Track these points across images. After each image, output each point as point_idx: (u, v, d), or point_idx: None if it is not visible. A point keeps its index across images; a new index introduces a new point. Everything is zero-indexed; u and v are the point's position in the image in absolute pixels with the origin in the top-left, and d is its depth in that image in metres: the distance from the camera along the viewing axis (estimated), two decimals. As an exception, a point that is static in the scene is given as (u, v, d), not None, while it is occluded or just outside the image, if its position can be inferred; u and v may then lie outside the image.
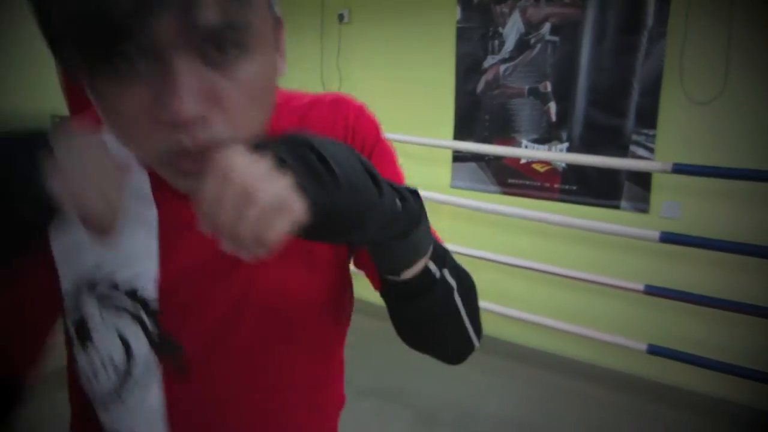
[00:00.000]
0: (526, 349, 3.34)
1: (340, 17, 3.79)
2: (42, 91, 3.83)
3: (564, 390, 2.97)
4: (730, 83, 2.61)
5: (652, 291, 2.68)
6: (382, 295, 0.65)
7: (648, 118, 2.84)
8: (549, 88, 3.11)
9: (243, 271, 0.61)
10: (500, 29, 3.22)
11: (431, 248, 0.58)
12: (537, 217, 2.98)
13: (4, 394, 0.60)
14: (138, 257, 0.58)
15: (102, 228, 0.44)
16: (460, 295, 0.62)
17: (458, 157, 3.48)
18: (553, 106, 3.12)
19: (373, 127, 0.68)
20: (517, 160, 3.27)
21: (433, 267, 0.58)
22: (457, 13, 3.35)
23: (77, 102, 2.66)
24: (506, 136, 3.29)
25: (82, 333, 0.60)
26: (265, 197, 0.39)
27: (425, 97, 3.57)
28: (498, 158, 3.32)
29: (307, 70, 4.02)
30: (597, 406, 2.84)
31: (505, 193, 3.34)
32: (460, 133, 3.46)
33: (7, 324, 0.57)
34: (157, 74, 0.43)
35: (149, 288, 0.58)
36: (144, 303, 0.59)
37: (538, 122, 3.18)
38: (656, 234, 2.61)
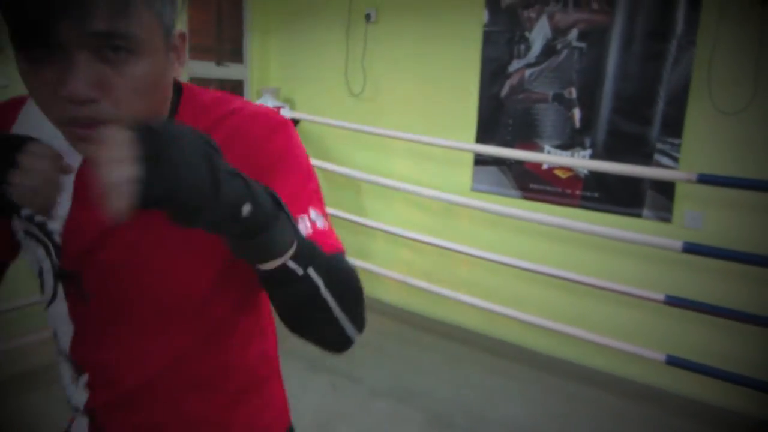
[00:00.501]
0: (543, 356, 3.33)
1: (367, 17, 3.80)
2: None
3: (580, 398, 2.95)
4: (759, 94, 2.58)
5: (672, 301, 2.65)
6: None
7: (673, 126, 2.81)
8: (574, 94, 3.09)
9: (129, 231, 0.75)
10: (527, 34, 3.21)
11: (292, 249, 0.65)
12: (558, 224, 2.96)
13: None
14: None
15: (42, 211, 0.67)
16: (330, 290, 0.69)
17: (480, 160, 3.47)
18: (577, 113, 3.10)
19: (283, 145, 0.77)
20: (538, 165, 3.25)
21: (293, 265, 0.65)
22: (485, 16, 3.35)
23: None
24: (529, 141, 3.27)
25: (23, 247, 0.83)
26: (107, 178, 0.50)
27: (449, 99, 3.57)
28: (520, 163, 3.31)
29: (332, 69, 4.04)
30: (613, 416, 2.81)
31: (526, 198, 3.32)
32: (482, 137, 3.45)
33: None
34: (62, 63, 0.59)
35: (56, 226, 0.76)
36: (49, 235, 0.76)
37: (561, 128, 3.16)
38: (679, 244, 2.58)
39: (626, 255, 2.99)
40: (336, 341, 0.75)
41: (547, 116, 3.20)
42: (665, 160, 2.85)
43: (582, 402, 2.92)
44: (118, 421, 0.85)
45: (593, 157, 3.07)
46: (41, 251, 0.78)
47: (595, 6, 2.97)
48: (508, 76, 3.30)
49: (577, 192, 3.14)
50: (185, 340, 0.81)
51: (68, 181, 0.75)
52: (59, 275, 0.78)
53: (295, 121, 3.99)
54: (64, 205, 0.76)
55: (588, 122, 3.07)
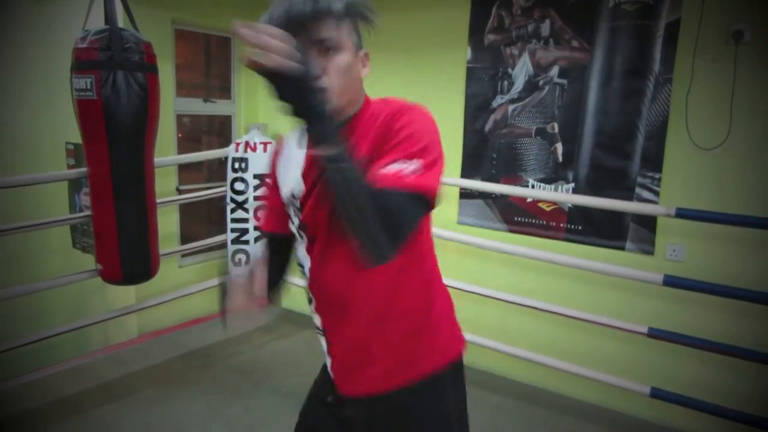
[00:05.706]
0: (529, 388, 3.33)
1: (353, 54, 3.86)
2: (57, 120, 3.92)
3: (566, 430, 2.94)
4: (734, 130, 2.65)
5: (655, 334, 2.68)
6: None
7: (654, 161, 2.88)
8: (556, 129, 3.16)
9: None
10: (510, 70, 3.29)
11: (331, 151, 0.92)
12: (542, 257, 2.99)
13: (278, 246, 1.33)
14: (295, 180, 1.21)
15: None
16: (345, 203, 0.94)
17: (465, 193, 3.52)
18: (559, 147, 3.16)
19: (401, 108, 1.20)
20: (523, 198, 3.30)
21: (329, 163, 0.93)
22: (468, 53, 3.43)
23: (90, 130, 2.72)
24: (513, 175, 3.33)
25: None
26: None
27: (434, 134, 3.61)
28: (505, 196, 3.36)
29: (319, 105, 4.08)
30: (599, 449, 2.81)
31: (511, 231, 3.36)
32: (467, 171, 3.50)
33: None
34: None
35: (298, 193, 1.20)
36: (294, 198, 1.21)
37: (544, 162, 3.22)
38: (660, 277, 2.62)
39: (610, 287, 3.02)
40: (368, 248, 0.97)
41: (531, 150, 3.27)
42: (646, 194, 2.91)
43: (569, 435, 2.92)
44: (338, 335, 1.23)
45: (576, 190, 3.12)
46: (293, 211, 1.22)
47: (575, 44, 3.06)
48: (492, 111, 3.37)
49: (562, 225, 3.19)
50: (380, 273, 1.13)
51: (299, 168, 1.20)
52: (300, 226, 1.21)
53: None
54: (298, 182, 1.19)
55: (570, 156, 3.13)
